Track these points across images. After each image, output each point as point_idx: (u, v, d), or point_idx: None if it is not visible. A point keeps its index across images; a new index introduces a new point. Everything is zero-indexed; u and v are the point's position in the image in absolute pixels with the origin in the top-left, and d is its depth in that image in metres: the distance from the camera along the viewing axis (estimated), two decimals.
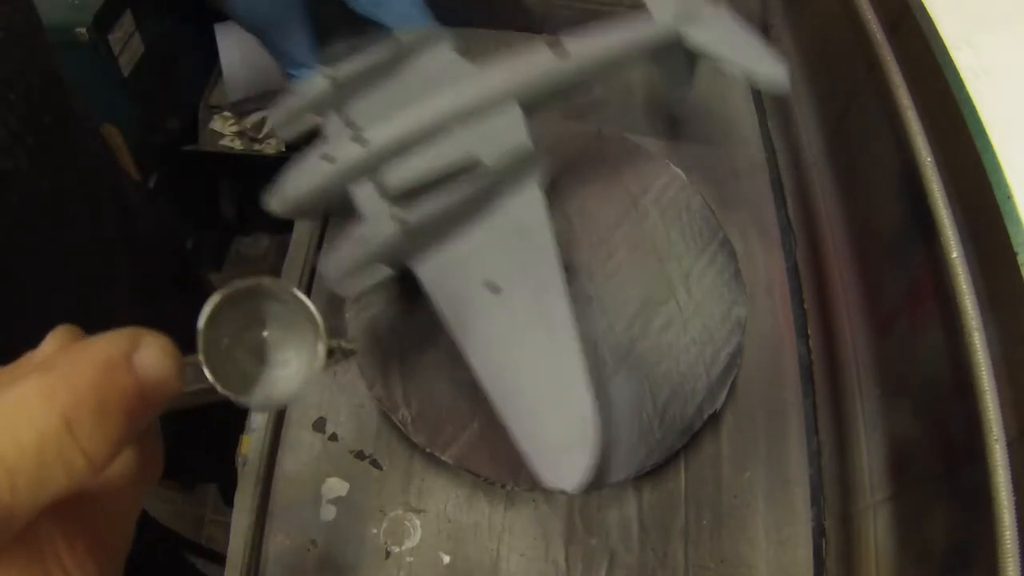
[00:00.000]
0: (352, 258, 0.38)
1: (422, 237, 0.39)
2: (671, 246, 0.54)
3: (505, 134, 0.42)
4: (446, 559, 0.44)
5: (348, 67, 0.42)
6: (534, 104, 0.44)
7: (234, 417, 0.48)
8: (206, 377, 0.18)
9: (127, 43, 0.79)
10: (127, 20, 0.79)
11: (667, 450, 0.45)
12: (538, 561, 0.44)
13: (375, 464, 0.47)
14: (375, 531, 0.44)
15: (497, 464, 0.44)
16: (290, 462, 0.47)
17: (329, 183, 0.39)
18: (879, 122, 0.47)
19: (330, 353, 0.21)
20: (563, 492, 0.36)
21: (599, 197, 0.56)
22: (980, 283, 0.34)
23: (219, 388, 0.18)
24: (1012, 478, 0.29)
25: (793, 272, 0.57)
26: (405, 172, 0.40)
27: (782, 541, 0.46)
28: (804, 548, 0.46)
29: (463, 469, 0.44)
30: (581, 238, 0.53)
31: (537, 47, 0.45)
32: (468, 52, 0.46)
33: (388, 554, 0.44)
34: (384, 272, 0.38)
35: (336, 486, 0.46)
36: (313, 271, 0.53)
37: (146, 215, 0.53)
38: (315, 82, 0.42)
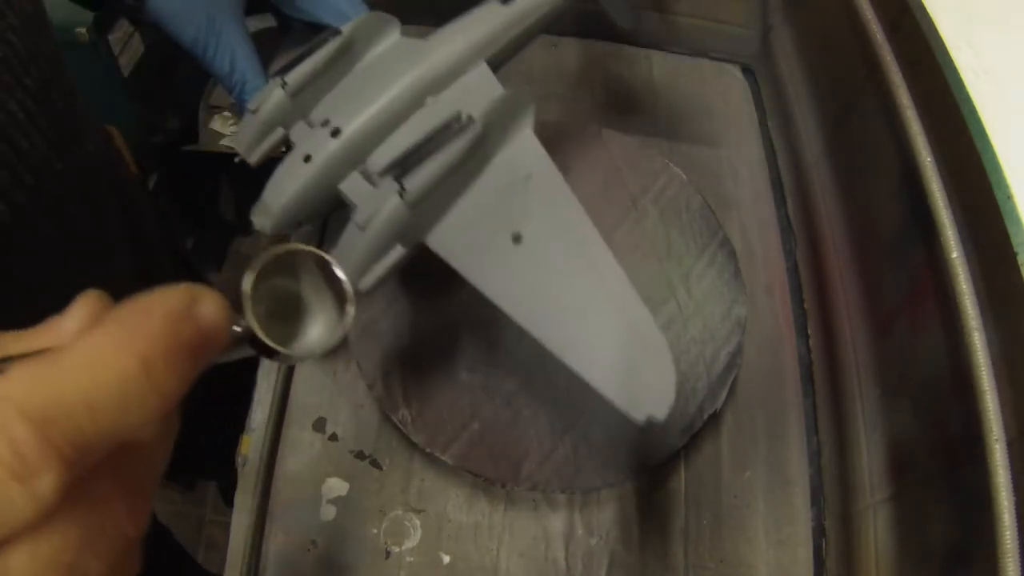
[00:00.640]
0: (362, 247, 0.36)
1: (427, 206, 0.37)
2: (671, 246, 0.54)
3: (481, 89, 0.41)
4: (446, 559, 0.44)
5: (299, 71, 0.40)
6: (497, 57, 0.43)
7: (234, 417, 0.48)
8: (240, 335, 0.19)
9: (127, 43, 0.79)
10: (127, 20, 0.79)
11: (667, 450, 0.45)
12: (538, 561, 0.44)
13: (375, 464, 0.47)
14: (375, 531, 0.44)
15: (497, 464, 0.44)
16: (290, 462, 0.47)
17: (313, 182, 0.38)
18: (879, 122, 0.47)
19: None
20: (654, 421, 0.34)
21: (599, 197, 0.56)
22: (980, 283, 0.34)
23: (267, 341, 0.19)
24: (1012, 478, 0.29)
25: (793, 272, 0.57)
26: (392, 149, 0.38)
27: (782, 541, 0.46)
28: (804, 548, 0.46)
29: (463, 469, 0.44)
30: None
31: (485, 3, 0.44)
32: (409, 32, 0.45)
33: (388, 554, 0.44)
34: (398, 253, 0.36)
35: (336, 486, 0.46)
36: None
37: (148, 213, 0.53)
38: (269, 95, 0.40)
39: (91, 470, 0.15)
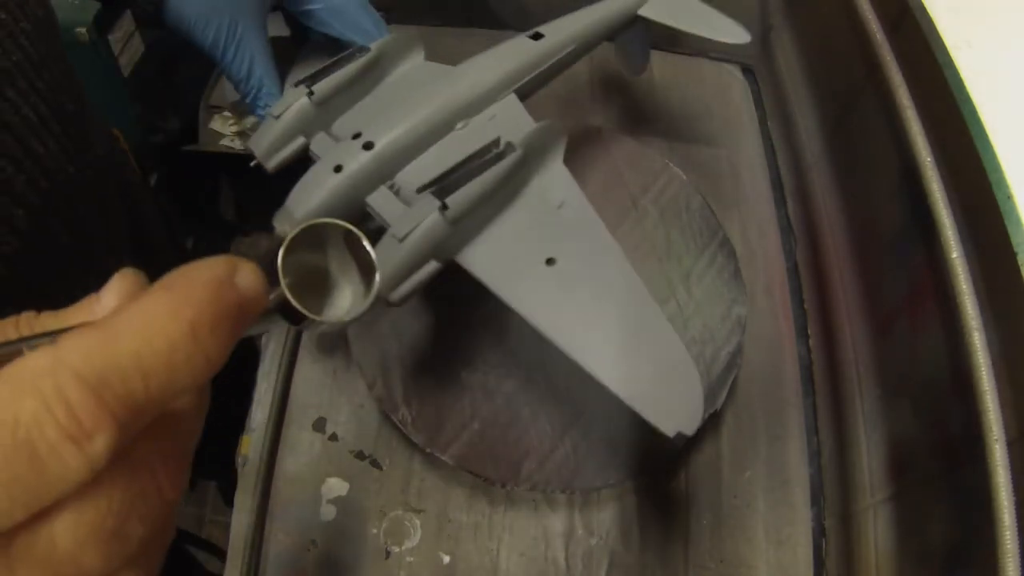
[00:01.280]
0: (399, 259, 0.36)
1: (464, 225, 0.38)
2: (671, 246, 0.54)
3: (512, 118, 0.43)
4: (446, 559, 0.44)
5: (327, 82, 0.41)
6: (524, 88, 0.45)
7: (234, 417, 0.48)
8: (270, 307, 0.20)
9: (127, 43, 0.79)
10: (127, 20, 0.79)
11: (667, 450, 0.45)
12: (538, 561, 0.44)
13: (375, 464, 0.47)
14: (375, 531, 0.44)
15: (497, 464, 0.44)
16: (290, 462, 0.47)
17: (341, 193, 0.38)
18: (879, 122, 0.47)
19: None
20: (683, 435, 0.35)
21: (599, 197, 0.55)
22: (980, 283, 0.34)
23: (299, 307, 0.20)
24: (1012, 478, 0.29)
25: (793, 272, 0.57)
26: (431, 167, 0.39)
27: (782, 541, 0.46)
28: (804, 548, 0.46)
29: (463, 469, 0.44)
30: None
31: (514, 37, 0.47)
32: (437, 55, 0.47)
33: (388, 554, 0.44)
34: (432, 268, 0.37)
35: (336, 486, 0.46)
36: None
37: (152, 215, 0.53)
38: (294, 103, 0.41)
39: (136, 436, 0.16)
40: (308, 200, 0.38)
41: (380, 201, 0.39)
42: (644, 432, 0.45)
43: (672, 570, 0.44)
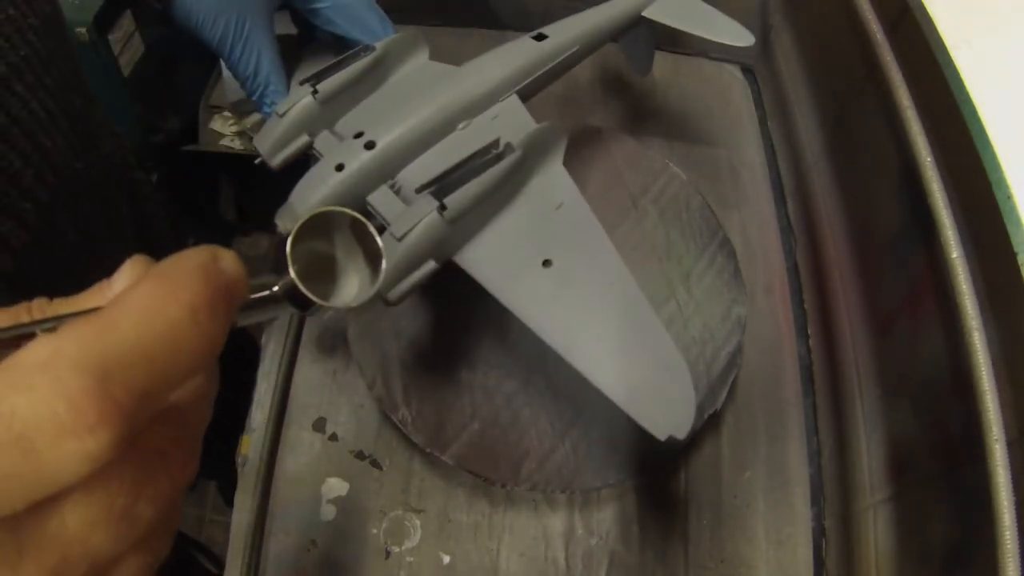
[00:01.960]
0: (397, 258, 0.37)
1: (463, 225, 0.38)
2: (671, 246, 0.54)
3: (513, 119, 0.43)
4: (446, 559, 0.44)
5: (332, 81, 0.41)
6: (526, 89, 0.45)
7: (234, 417, 0.48)
8: (273, 295, 0.21)
9: (127, 43, 0.79)
10: (127, 20, 0.79)
11: (667, 450, 0.45)
12: (538, 561, 0.44)
13: (375, 464, 0.47)
14: (375, 531, 0.44)
15: (497, 464, 0.44)
16: (290, 462, 0.47)
17: (342, 191, 0.39)
18: (879, 122, 0.47)
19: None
20: (675, 440, 0.35)
21: (599, 197, 0.56)
22: (980, 283, 0.34)
23: (308, 293, 0.21)
24: (1012, 478, 0.29)
25: (793, 272, 0.57)
26: (430, 167, 0.40)
27: (782, 541, 0.46)
28: (804, 548, 0.46)
29: (463, 469, 0.44)
30: None
31: (519, 38, 0.47)
32: (437, 55, 0.47)
33: (388, 554, 0.44)
34: (430, 267, 0.37)
35: (336, 486, 0.46)
36: None
37: (157, 214, 0.54)
38: (299, 101, 0.41)
39: (146, 422, 0.16)
40: (310, 198, 0.38)
41: (381, 200, 0.39)
42: (644, 432, 0.45)
43: (672, 570, 0.44)
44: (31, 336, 0.15)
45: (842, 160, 0.55)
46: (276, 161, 0.42)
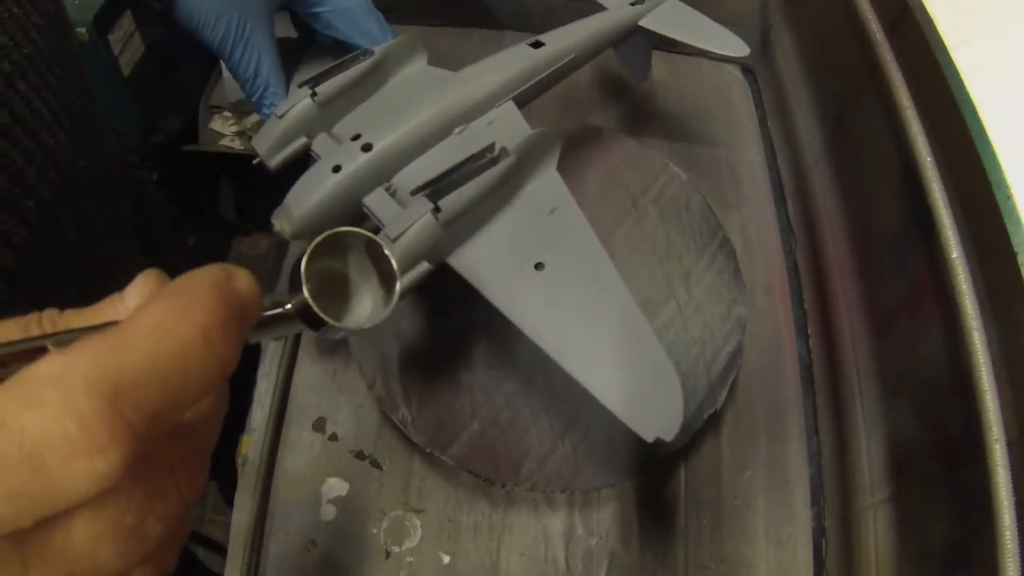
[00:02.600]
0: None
1: (457, 227, 0.39)
2: (671, 246, 0.54)
3: (509, 125, 0.44)
4: (446, 559, 0.44)
5: (330, 84, 0.42)
6: (523, 95, 0.46)
7: (234, 417, 0.48)
8: (286, 313, 0.21)
9: (127, 43, 0.79)
10: (127, 20, 0.79)
11: (667, 450, 0.45)
12: (538, 561, 0.44)
13: (375, 464, 0.47)
14: (375, 531, 0.44)
15: (497, 464, 0.44)
16: (290, 462, 0.47)
17: (339, 192, 0.39)
18: (879, 122, 0.47)
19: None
20: (662, 442, 0.36)
21: (599, 197, 0.56)
22: (980, 283, 0.34)
23: (321, 313, 0.21)
24: (1012, 478, 0.29)
25: (793, 272, 0.57)
26: (426, 170, 0.40)
27: (782, 541, 0.46)
28: (804, 548, 0.46)
29: (463, 469, 0.44)
30: None
31: (516, 45, 0.48)
32: (437, 55, 0.47)
33: (388, 554, 0.44)
34: (423, 268, 0.38)
35: (336, 486, 0.46)
36: None
37: (159, 213, 0.54)
38: (298, 103, 0.41)
39: (156, 441, 0.16)
40: (306, 199, 0.39)
41: (377, 202, 0.40)
42: None
43: (672, 570, 0.44)
44: (42, 350, 0.15)
45: (842, 160, 0.55)
46: (274, 162, 0.42)
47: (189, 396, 0.16)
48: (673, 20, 0.53)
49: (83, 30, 0.68)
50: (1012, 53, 0.40)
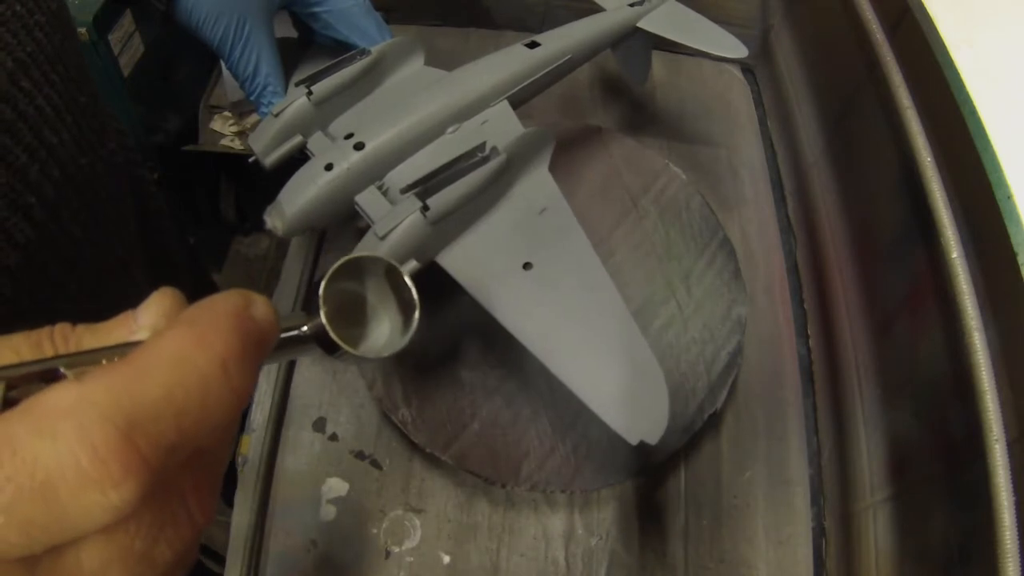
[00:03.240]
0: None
1: (445, 226, 0.39)
2: (671, 246, 0.54)
3: (502, 125, 0.44)
4: (446, 559, 0.44)
5: (326, 83, 0.42)
6: (517, 96, 0.46)
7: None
8: (301, 336, 0.20)
9: (127, 43, 0.79)
10: (127, 20, 0.79)
11: (667, 450, 0.45)
12: (538, 561, 0.44)
13: (375, 464, 0.47)
14: (375, 531, 0.44)
15: (497, 464, 0.44)
16: (290, 462, 0.47)
17: (331, 190, 0.39)
18: (879, 122, 0.47)
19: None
20: (646, 445, 0.36)
21: (599, 197, 0.56)
22: (980, 283, 0.34)
23: (337, 339, 0.20)
24: (1012, 478, 0.29)
25: (793, 272, 0.58)
26: (416, 169, 0.40)
27: (782, 541, 0.46)
28: (804, 548, 0.46)
29: (463, 469, 0.44)
30: None
31: (512, 46, 0.48)
32: (437, 55, 0.48)
33: (388, 554, 0.44)
34: (412, 267, 0.38)
35: (336, 486, 0.46)
36: (311, 277, 0.54)
37: (162, 212, 0.54)
38: (293, 102, 0.42)
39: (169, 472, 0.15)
40: (298, 197, 0.39)
41: (368, 200, 0.40)
42: None
43: (672, 570, 0.44)
44: (52, 371, 0.15)
45: (842, 160, 0.55)
46: (269, 160, 0.42)
47: (205, 428, 0.16)
48: (671, 21, 0.53)
49: (83, 30, 0.68)
50: (1012, 53, 0.40)
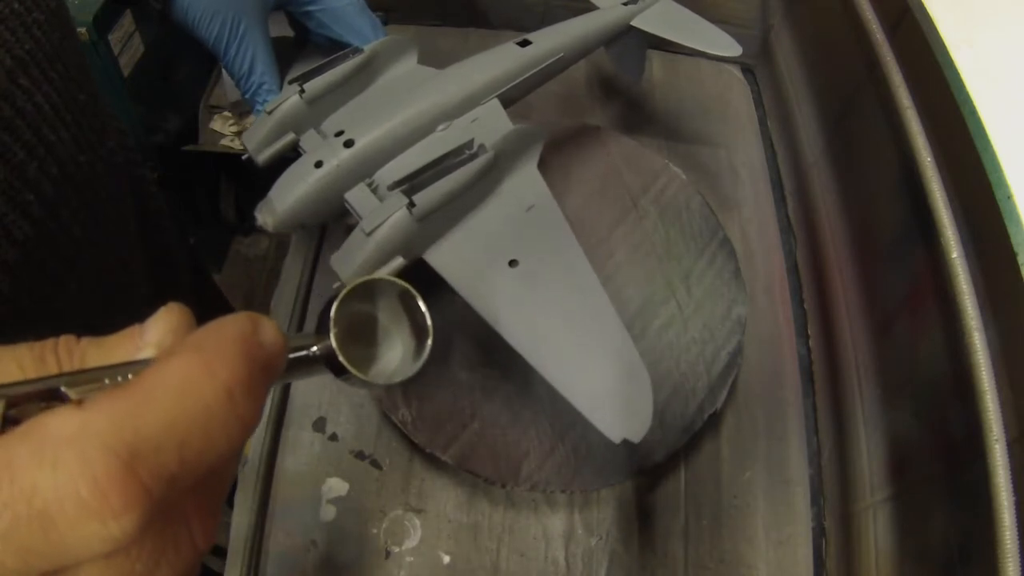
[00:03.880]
0: (365, 253, 0.37)
1: (432, 222, 0.39)
2: (671, 246, 0.54)
3: (492, 122, 0.44)
4: (446, 559, 0.44)
5: (319, 81, 0.42)
6: (508, 94, 0.46)
7: None
8: (310, 356, 0.20)
9: (127, 43, 0.79)
10: (127, 20, 0.79)
11: (667, 449, 0.45)
12: (538, 561, 0.44)
13: (375, 464, 0.47)
14: (375, 531, 0.44)
15: (497, 464, 0.44)
16: (290, 462, 0.47)
17: (320, 188, 0.39)
18: (879, 122, 0.47)
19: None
20: (629, 444, 0.35)
21: (599, 197, 0.56)
22: (980, 283, 0.34)
23: (346, 364, 0.20)
24: (1012, 478, 0.29)
25: (793, 272, 0.58)
26: (403, 166, 0.40)
27: (782, 541, 0.46)
28: (804, 548, 0.46)
29: (463, 469, 0.44)
30: (580, 238, 0.52)
31: (503, 44, 0.48)
32: (435, 54, 0.48)
33: (388, 554, 0.44)
34: (398, 263, 0.38)
35: (336, 486, 0.46)
36: (311, 278, 0.54)
37: (163, 212, 0.54)
38: (286, 99, 0.42)
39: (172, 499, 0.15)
40: (288, 194, 0.39)
41: (357, 197, 0.40)
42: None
43: (672, 570, 0.44)
44: (54, 391, 0.15)
45: (842, 160, 0.55)
46: (262, 157, 0.42)
47: (210, 458, 0.15)
48: (666, 20, 0.53)
49: (83, 30, 0.68)
50: (1012, 53, 0.40)
